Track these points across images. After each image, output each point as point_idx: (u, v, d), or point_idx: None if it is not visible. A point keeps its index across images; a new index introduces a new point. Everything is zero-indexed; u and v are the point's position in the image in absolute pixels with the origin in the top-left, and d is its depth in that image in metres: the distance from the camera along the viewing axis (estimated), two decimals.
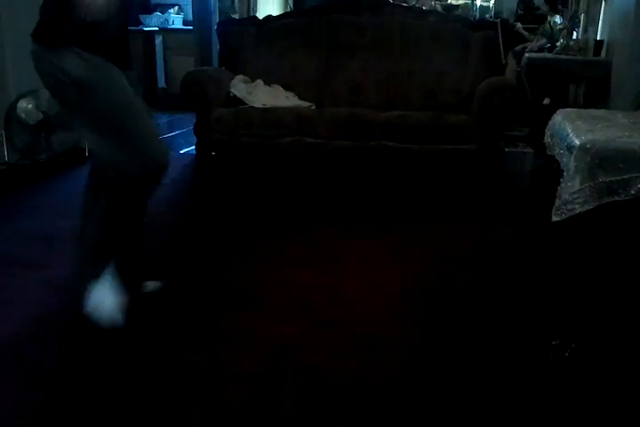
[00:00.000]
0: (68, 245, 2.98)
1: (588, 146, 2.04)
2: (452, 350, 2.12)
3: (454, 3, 9.70)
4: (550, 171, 2.65)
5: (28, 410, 1.79)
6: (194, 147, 4.52)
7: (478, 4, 8.90)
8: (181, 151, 5.08)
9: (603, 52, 5.41)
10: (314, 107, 4.28)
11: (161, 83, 7.14)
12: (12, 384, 1.91)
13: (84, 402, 1.82)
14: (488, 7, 9.59)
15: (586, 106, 4.93)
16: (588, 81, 5.53)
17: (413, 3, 7.66)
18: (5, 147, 4.36)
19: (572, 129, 2.27)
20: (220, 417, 1.75)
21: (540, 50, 6.35)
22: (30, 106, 4.31)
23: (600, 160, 2.02)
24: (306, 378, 1.94)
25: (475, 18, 8.42)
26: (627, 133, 2.17)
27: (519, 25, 7.70)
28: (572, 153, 2.11)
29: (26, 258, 2.87)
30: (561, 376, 1.94)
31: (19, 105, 4.28)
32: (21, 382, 1.92)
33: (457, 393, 1.87)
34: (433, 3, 8.16)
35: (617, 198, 2.01)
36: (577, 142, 2.08)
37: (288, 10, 8.65)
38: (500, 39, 4.24)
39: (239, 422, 1.74)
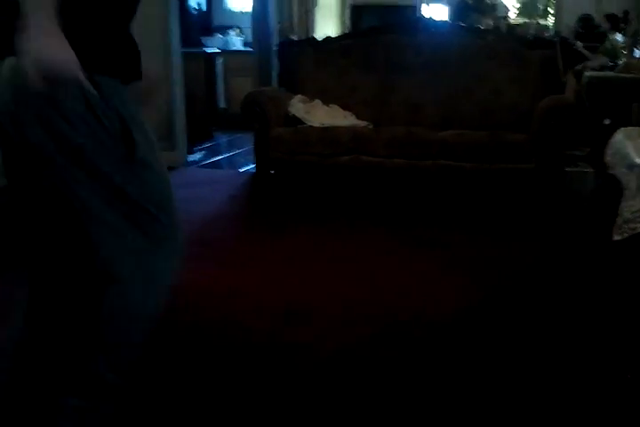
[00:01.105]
0: None
1: None
2: (512, 378, 2.10)
3: (513, 22, 9.70)
4: (611, 190, 2.62)
5: None
6: (253, 165, 4.62)
7: (536, 23, 8.89)
8: (241, 170, 5.19)
9: None
10: (371, 126, 4.33)
11: (221, 103, 7.31)
12: None
13: None
14: (547, 26, 9.55)
15: None
16: None
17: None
18: None
19: (633, 147, 2.26)
20: None
21: (601, 68, 6.28)
22: None
23: None
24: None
25: (533, 37, 8.38)
26: None
27: (579, 44, 7.63)
28: (633, 171, 2.09)
29: None
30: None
31: None
32: None
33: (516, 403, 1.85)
34: (491, 22, 8.17)
35: None
36: (638, 161, 2.07)
37: (346, 31, 8.78)
38: (559, 57, 4.22)
39: None
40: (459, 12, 6.53)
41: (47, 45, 1.10)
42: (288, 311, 2.53)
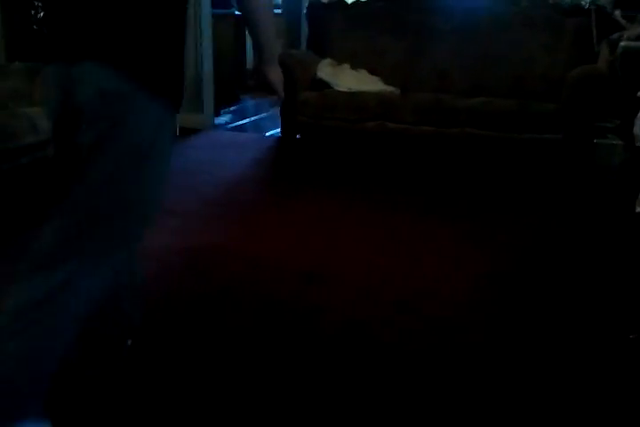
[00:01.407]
0: (159, 218, 3.14)
1: None
2: (523, 339, 2.13)
3: None
4: (638, 162, 2.60)
5: None
6: (279, 129, 4.62)
7: None
8: (267, 133, 5.20)
9: None
10: (399, 91, 4.29)
11: (250, 65, 7.28)
12: None
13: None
14: None
15: None
16: None
17: None
18: None
19: None
20: (292, 389, 1.83)
21: (638, 38, 6.12)
22: None
23: None
24: (377, 356, 2.00)
25: (569, 4, 8.17)
26: None
27: (618, 12, 7.42)
28: None
29: None
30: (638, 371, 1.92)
31: None
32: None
33: (534, 379, 1.88)
34: None
35: None
36: None
37: None
38: (594, 27, 4.13)
39: (310, 394, 1.82)
40: None
41: None
42: (311, 274, 2.57)
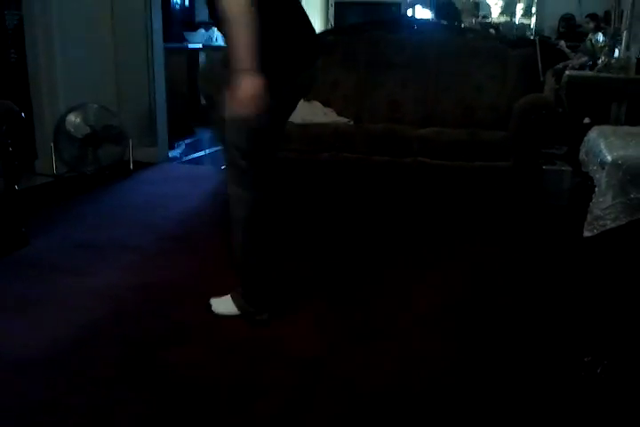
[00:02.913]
0: (111, 254, 3.10)
1: (620, 162, 2.05)
2: (484, 365, 2.14)
3: (495, 21, 9.75)
4: (586, 188, 2.65)
5: (73, 415, 1.86)
6: None
7: (518, 22, 8.93)
8: (222, 166, 5.18)
9: None
10: (352, 122, 4.34)
11: (203, 99, 7.29)
12: (55, 391, 1.98)
13: (123, 410, 1.89)
14: (529, 25, 9.61)
15: (627, 124, 4.89)
16: (630, 99, 5.48)
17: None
18: (54, 159, 4.53)
19: (605, 145, 2.29)
20: None
21: (582, 68, 6.32)
22: (78, 120, 4.48)
23: (632, 176, 2.03)
24: (338, 391, 1.98)
25: (514, 36, 8.43)
26: None
27: (563, 43, 7.69)
28: (604, 169, 2.12)
29: (70, 266, 2.98)
30: (593, 393, 1.95)
31: (67, 119, 4.45)
32: (65, 389, 1.99)
33: (489, 409, 1.89)
34: (473, 20, 8.21)
35: None
36: (609, 158, 2.10)
37: (329, 28, 8.79)
38: (539, 57, 4.25)
39: None
40: (441, 10, 6.56)
41: None
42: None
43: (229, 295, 2.49)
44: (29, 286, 2.75)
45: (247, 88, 2.00)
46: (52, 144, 4.50)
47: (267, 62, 2.02)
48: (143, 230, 3.49)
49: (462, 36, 4.62)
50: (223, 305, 2.49)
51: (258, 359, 2.15)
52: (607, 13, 8.29)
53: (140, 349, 2.22)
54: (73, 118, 4.47)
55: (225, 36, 2.09)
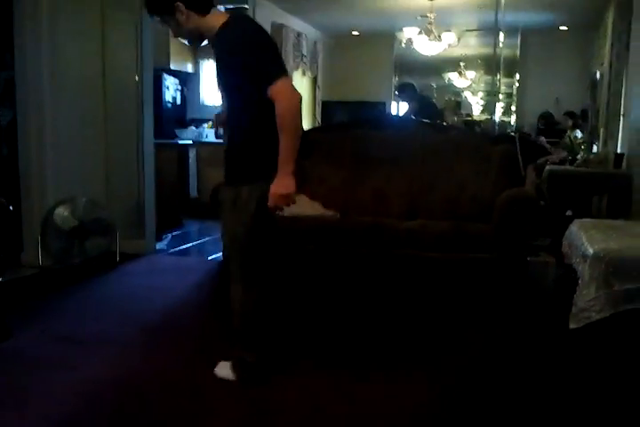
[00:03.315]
0: (94, 347, 3.05)
1: (602, 255, 2.09)
2: None
3: (477, 118, 10.11)
4: (569, 280, 2.67)
5: None
6: (221, 253, 4.64)
7: (498, 120, 9.25)
8: (209, 257, 5.20)
9: (623, 165, 5.54)
10: (338, 215, 4.40)
11: (193, 192, 7.41)
12: None
13: None
14: (509, 123, 9.96)
15: (609, 217, 5.00)
16: (610, 193, 5.62)
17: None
18: (40, 252, 4.53)
19: (586, 238, 2.33)
20: None
21: (562, 162, 6.52)
22: (66, 213, 4.51)
23: (614, 268, 2.06)
24: None
25: (495, 132, 8.72)
26: None
27: (543, 138, 7.96)
28: (586, 261, 2.15)
29: (52, 359, 2.91)
30: None
31: (55, 212, 4.49)
32: None
33: None
34: (455, 118, 8.51)
35: (633, 306, 2.03)
36: (591, 251, 2.14)
37: (316, 125, 9.08)
38: (519, 152, 4.39)
39: None
40: (423, 110, 6.84)
41: None
42: (254, 403, 2.48)
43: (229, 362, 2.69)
44: (11, 379, 2.68)
45: (290, 186, 2.42)
46: (39, 236, 4.52)
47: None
48: (127, 323, 3.44)
49: (445, 133, 4.78)
50: (225, 370, 2.69)
51: None
52: (584, 111, 8.66)
53: None
54: (61, 211, 4.51)
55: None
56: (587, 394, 2.28)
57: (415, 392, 2.59)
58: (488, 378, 2.76)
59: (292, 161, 2.41)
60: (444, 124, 6.12)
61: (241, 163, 2.55)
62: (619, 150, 5.90)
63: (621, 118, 6.04)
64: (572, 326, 2.12)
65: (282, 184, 2.42)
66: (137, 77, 5.09)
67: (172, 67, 7.72)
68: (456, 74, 10.35)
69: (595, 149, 6.89)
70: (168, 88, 7.62)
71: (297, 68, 8.89)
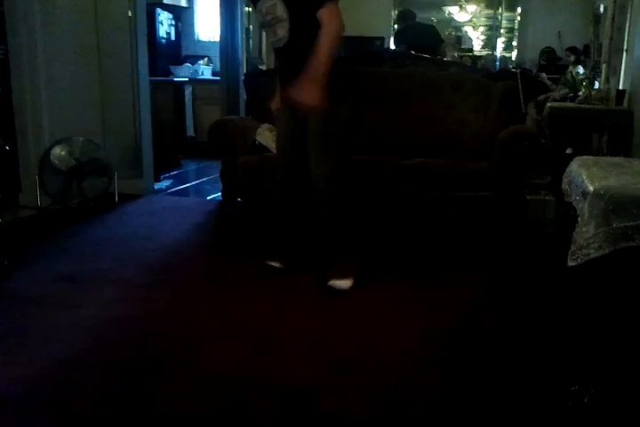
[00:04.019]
0: (94, 287, 3.08)
1: (602, 192, 2.07)
2: (470, 394, 2.12)
3: (477, 54, 9.91)
4: (569, 218, 2.67)
5: None
6: (220, 193, 4.63)
7: (499, 55, 9.10)
8: (208, 198, 5.19)
9: (625, 102, 5.47)
10: None
11: (190, 131, 7.34)
12: (40, 425, 1.95)
13: None
14: (510, 58, 9.78)
15: (609, 155, 4.97)
16: (611, 130, 5.57)
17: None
18: (38, 192, 4.51)
19: (587, 176, 2.31)
20: None
21: (563, 99, 6.44)
22: (63, 153, 4.47)
23: (614, 206, 2.05)
24: (325, 423, 1.96)
25: (496, 68, 8.58)
26: None
27: (544, 75, 7.83)
28: (586, 199, 2.14)
29: (53, 299, 2.94)
30: (580, 422, 1.93)
31: (52, 152, 4.45)
32: (47, 425, 1.96)
33: None
34: (456, 54, 8.34)
35: (632, 244, 2.03)
36: (591, 189, 2.12)
37: None
38: (520, 89, 4.32)
39: None
40: (419, 38, 6.71)
41: None
42: (257, 341, 2.52)
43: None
44: (11, 319, 2.71)
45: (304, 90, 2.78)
46: (37, 177, 4.49)
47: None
48: (126, 263, 3.46)
49: (444, 69, 4.69)
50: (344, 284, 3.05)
51: (243, 391, 2.12)
52: (586, 47, 8.48)
53: (124, 383, 2.19)
54: (58, 151, 4.47)
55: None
56: (584, 330, 2.32)
57: (417, 323, 2.64)
58: (487, 313, 2.80)
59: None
60: (445, 59, 5.99)
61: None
62: (621, 87, 5.81)
63: (624, 54, 5.91)
64: (570, 263, 2.12)
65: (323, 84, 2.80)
66: (130, 13, 4.95)
67: (166, 1, 7.51)
68: (457, 8, 10.10)
69: (597, 85, 6.77)
70: (162, 23, 7.45)
71: None
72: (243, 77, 6.20)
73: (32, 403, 2.06)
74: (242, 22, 6.84)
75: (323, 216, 3.14)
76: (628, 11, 5.84)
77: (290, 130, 3.18)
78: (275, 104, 3.40)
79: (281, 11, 2.99)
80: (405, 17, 7.47)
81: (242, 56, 6.82)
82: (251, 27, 7.38)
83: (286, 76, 3.05)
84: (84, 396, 2.11)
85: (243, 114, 6.28)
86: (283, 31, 2.99)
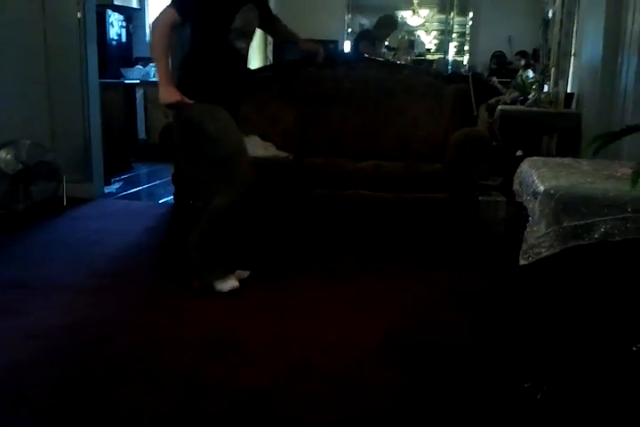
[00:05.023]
0: (43, 293, 2.99)
1: (552, 191, 2.10)
2: (430, 393, 2.12)
3: (430, 58, 10.02)
4: (520, 217, 2.70)
5: None
6: (172, 196, 4.56)
7: (451, 59, 9.21)
8: (160, 201, 5.12)
9: (573, 105, 5.58)
10: (292, 157, 4.35)
11: (141, 134, 7.23)
12: None
13: None
14: (462, 62, 9.91)
15: (558, 156, 5.06)
16: (560, 132, 5.68)
17: (390, 57, 7.91)
18: None
19: (537, 176, 2.34)
20: None
21: (513, 102, 6.54)
22: (9, 156, 4.36)
23: (564, 205, 2.07)
24: (282, 424, 1.93)
25: (448, 72, 8.68)
26: (589, 180, 2.24)
27: (495, 79, 7.96)
28: (537, 199, 2.17)
29: (3, 306, 2.86)
30: (533, 418, 1.95)
31: None
32: None
33: None
34: (409, 57, 8.41)
35: (581, 242, 2.06)
36: (541, 188, 2.15)
37: (267, 64, 8.87)
38: (472, 92, 4.37)
39: None
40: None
41: None
42: (213, 342, 2.48)
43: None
44: None
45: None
46: None
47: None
48: (76, 268, 3.38)
49: (398, 72, 4.72)
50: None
51: (199, 393, 2.08)
52: (536, 51, 8.65)
53: (76, 389, 2.13)
54: (4, 155, 4.35)
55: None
56: (536, 327, 2.35)
57: (373, 331, 2.64)
58: (444, 312, 2.82)
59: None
60: (398, 62, 6.04)
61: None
62: (569, 90, 5.93)
63: (572, 58, 6.04)
64: (522, 262, 2.14)
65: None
66: (79, 14, 4.86)
67: (117, 2, 7.39)
68: (410, 12, 10.19)
69: (546, 88, 6.90)
70: (112, 25, 7.33)
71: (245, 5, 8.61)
72: None
73: None
74: None
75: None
76: (575, 16, 5.96)
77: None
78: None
79: (256, 25, 3.18)
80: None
81: None
82: None
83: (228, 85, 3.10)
84: (32, 402, 2.05)
85: None
86: (248, 45, 3.15)
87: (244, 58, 3.16)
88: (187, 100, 2.90)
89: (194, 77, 3.04)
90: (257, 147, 4.41)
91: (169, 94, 2.89)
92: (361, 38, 6.44)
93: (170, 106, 2.94)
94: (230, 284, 3.02)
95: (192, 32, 3.04)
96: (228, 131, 3.02)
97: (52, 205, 4.57)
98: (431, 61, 9.67)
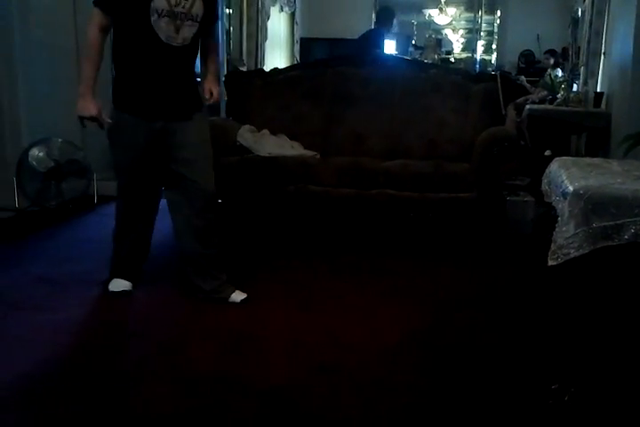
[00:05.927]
0: (73, 289, 3.04)
1: (582, 192, 2.09)
2: (452, 394, 2.13)
3: (457, 57, 9.98)
4: (549, 218, 2.69)
5: None
6: None
7: (479, 58, 9.16)
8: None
9: (603, 104, 5.53)
10: (318, 156, 4.36)
11: None
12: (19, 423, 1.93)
13: None
14: (490, 61, 9.85)
15: (587, 156, 5.02)
16: (589, 132, 5.63)
17: (417, 56, 7.89)
18: (16, 193, 4.46)
19: (566, 176, 2.33)
20: None
21: (542, 102, 6.50)
22: (42, 154, 4.43)
23: (593, 206, 2.06)
24: (304, 424, 1.95)
25: (476, 71, 8.63)
26: (619, 180, 2.22)
27: (523, 78, 7.90)
28: (566, 199, 2.16)
29: (34, 301, 2.91)
30: (560, 421, 1.94)
31: (30, 153, 4.40)
32: (26, 423, 1.94)
33: None
34: (436, 56, 8.38)
35: (611, 243, 2.04)
36: (571, 189, 2.13)
37: (294, 63, 8.91)
38: (500, 91, 4.35)
39: None
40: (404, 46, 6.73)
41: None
42: (233, 340, 2.50)
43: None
44: None
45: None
46: (15, 178, 4.44)
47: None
48: (106, 265, 3.42)
49: (425, 71, 4.71)
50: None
51: (221, 392, 2.11)
52: (565, 50, 8.58)
53: (104, 385, 2.17)
54: (36, 152, 4.43)
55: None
56: (564, 328, 2.33)
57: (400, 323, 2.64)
58: (469, 312, 2.81)
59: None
60: (425, 61, 6.03)
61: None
62: (598, 89, 5.88)
63: (602, 57, 5.99)
64: (550, 263, 2.13)
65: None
66: None
67: None
68: (437, 10, 10.15)
69: (575, 87, 6.85)
70: None
71: (274, 4, 8.64)
72: (223, 79, 6.18)
73: (16, 405, 2.04)
74: (222, 23, 6.82)
75: None
76: (605, 15, 5.90)
77: None
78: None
79: (198, 9, 2.60)
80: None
81: (223, 57, 6.79)
82: (231, 28, 7.37)
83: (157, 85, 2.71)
84: (68, 398, 2.09)
85: (223, 115, 6.24)
86: (189, 34, 2.63)
87: (179, 50, 2.62)
88: (104, 118, 2.68)
89: (115, 79, 2.76)
90: (285, 146, 4.44)
91: (84, 107, 2.64)
92: (377, 35, 6.46)
93: (84, 119, 2.67)
94: (120, 285, 2.99)
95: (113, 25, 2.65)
96: (122, 163, 2.98)
97: (82, 203, 4.64)
98: (459, 60, 9.63)
